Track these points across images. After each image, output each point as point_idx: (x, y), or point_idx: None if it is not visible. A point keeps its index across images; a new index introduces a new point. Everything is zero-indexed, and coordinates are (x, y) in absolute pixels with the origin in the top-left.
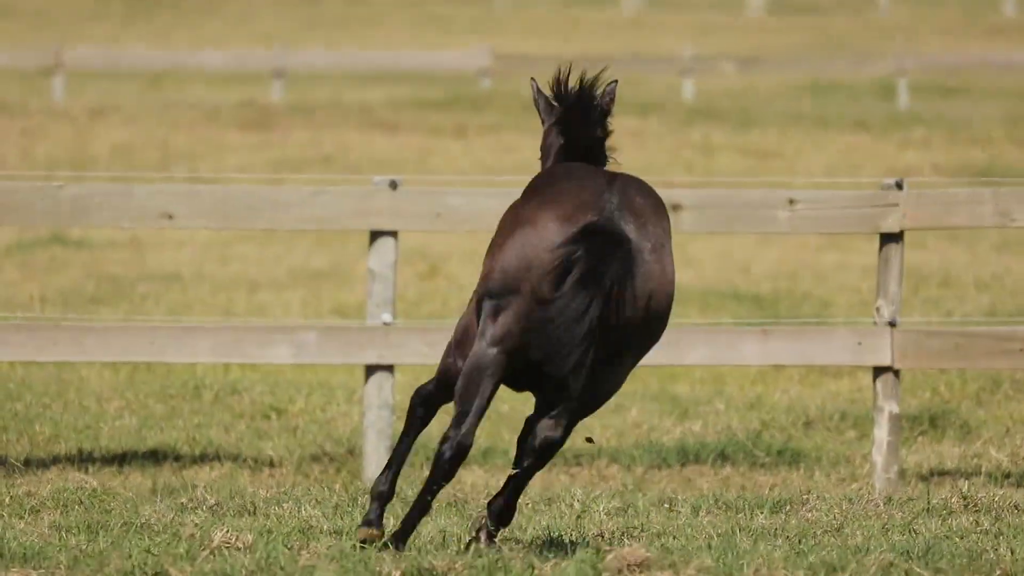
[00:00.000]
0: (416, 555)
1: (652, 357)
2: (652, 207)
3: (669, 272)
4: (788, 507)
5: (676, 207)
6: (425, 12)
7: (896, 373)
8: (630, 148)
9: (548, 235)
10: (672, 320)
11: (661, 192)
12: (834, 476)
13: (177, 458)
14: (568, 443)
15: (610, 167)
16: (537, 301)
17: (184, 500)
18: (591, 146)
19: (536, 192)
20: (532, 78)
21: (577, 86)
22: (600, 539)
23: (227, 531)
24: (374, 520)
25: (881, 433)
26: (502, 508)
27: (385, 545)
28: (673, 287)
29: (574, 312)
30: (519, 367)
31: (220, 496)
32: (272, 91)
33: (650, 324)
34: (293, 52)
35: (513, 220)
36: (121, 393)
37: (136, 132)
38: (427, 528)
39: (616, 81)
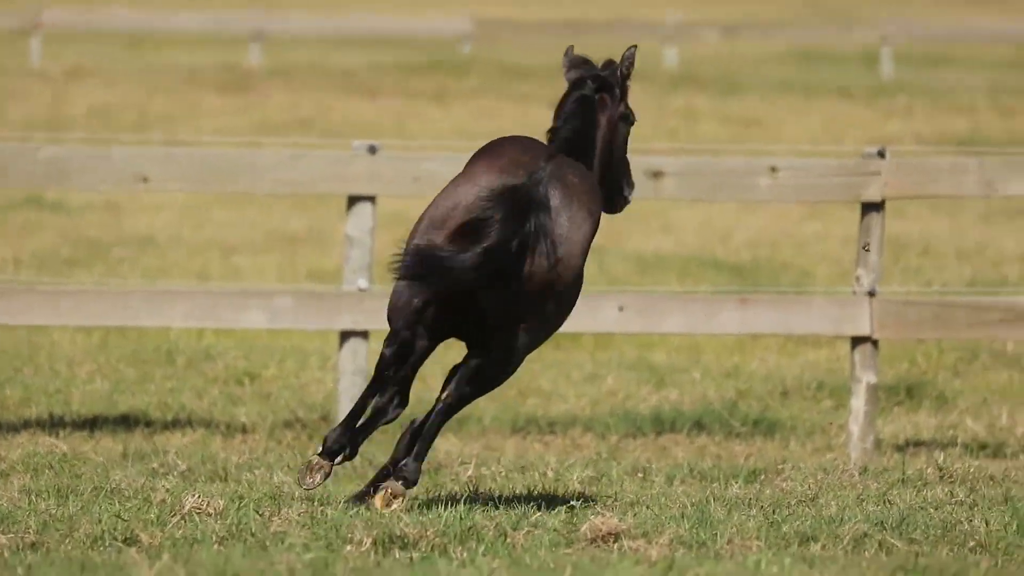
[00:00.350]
0: (388, 521)
1: (628, 324)
2: (584, 189)
3: (578, 246)
4: (763, 477)
5: (658, 174)
6: None
7: (874, 343)
8: None
9: (478, 181)
10: (650, 287)
11: (643, 158)
12: (810, 446)
13: (149, 423)
14: (542, 410)
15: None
16: (448, 240)
17: (155, 465)
18: (580, 124)
19: (481, 152)
20: (571, 46)
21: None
22: (573, 508)
23: (198, 497)
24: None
25: (858, 403)
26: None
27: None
28: (580, 261)
29: (471, 259)
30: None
31: (191, 462)
32: (251, 54)
33: (553, 287)
34: (272, 15)
35: (455, 175)
36: (93, 357)
37: (114, 94)
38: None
39: (635, 46)
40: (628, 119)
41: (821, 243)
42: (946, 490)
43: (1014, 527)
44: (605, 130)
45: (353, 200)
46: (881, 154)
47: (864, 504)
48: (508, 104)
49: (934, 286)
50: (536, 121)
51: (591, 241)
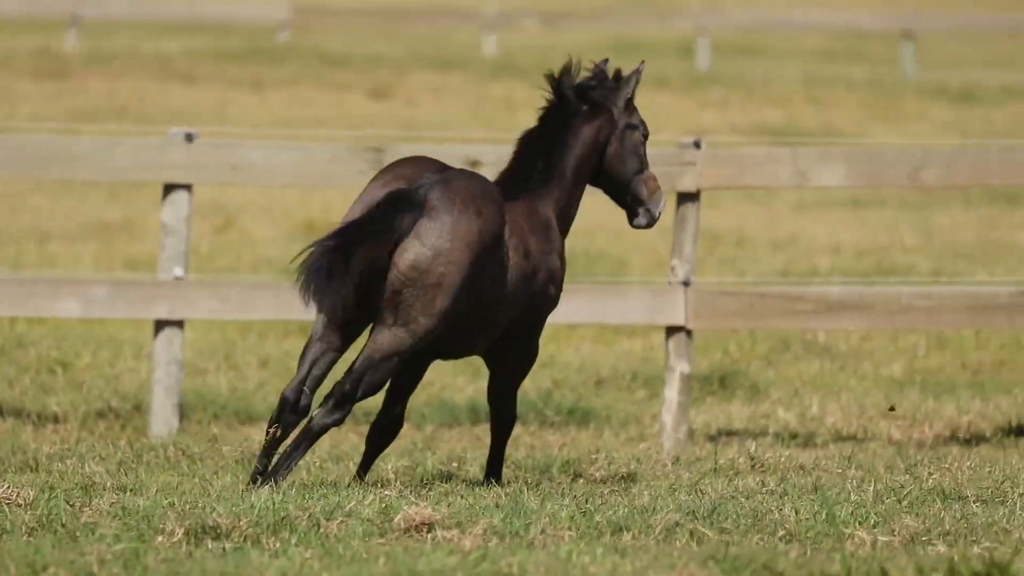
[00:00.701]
0: (200, 512)
1: None
2: (472, 194)
3: (456, 248)
4: (577, 466)
5: (475, 163)
6: None
7: (688, 333)
8: (430, 104)
9: (363, 198)
10: None
11: (460, 148)
12: (623, 436)
13: None
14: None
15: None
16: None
17: None
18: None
19: (381, 171)
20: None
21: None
22: (387, 498)
23: (7, 487)
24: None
25: (671, 393)
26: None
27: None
28: (454, 267)
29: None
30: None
31: (1, 451)
32: (67, 40)
33: (418, 286)
34: (89, 0)
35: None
36: None
37: None
38: (215, 485)
39: (644, 61)
40: (635, 129)
41: (637, 233)
42: (757, 479)
43: (823, 516)
44: (590, 142)
45: (169, 188)
46: (697, 144)
47: (676, 494)
48: (325, 92)
49: (748, 276)
50: (353, 110)
51: (481, 243)
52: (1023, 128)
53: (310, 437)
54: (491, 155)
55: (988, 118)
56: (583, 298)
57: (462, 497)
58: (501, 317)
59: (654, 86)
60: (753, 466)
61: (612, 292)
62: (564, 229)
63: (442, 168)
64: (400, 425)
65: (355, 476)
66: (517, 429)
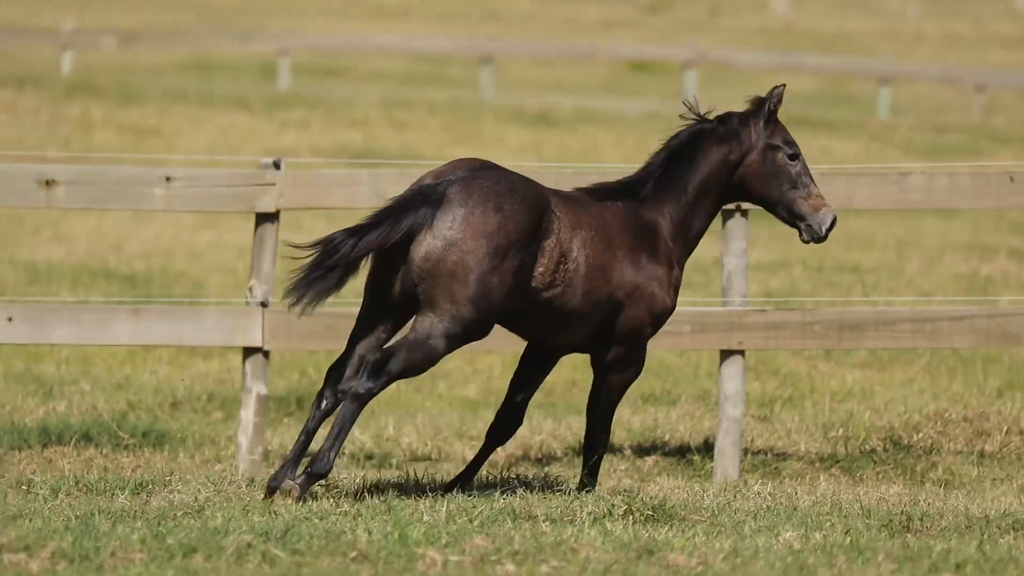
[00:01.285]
0: None
1: (16, 335)
2: (494, 191)
3: (469, 237)
4: (150, 489)
5: (50, 182)
6: None
7: (266, 354)
8: (4, 122)
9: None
10: (39, 297)
11: (34, 167)
12: (198, 457)
13: None
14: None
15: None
16: None
17: None
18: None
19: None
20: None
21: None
22: None
23: None
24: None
25: (247, 414)
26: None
27: None
28: (469, 255)
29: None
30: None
31: None
32: None
33: (438, 274)
34: None
35: None
36: None
37: None
38: None
39: (783, 85)
40: (777, 149)
41: (216, 253)
42: (332, 500)
43: (395, 536)
44: (717, 160)
45: None
46: (276, 165)
47: (250, 515)
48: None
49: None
50: None
51: (502, 234)
52: (595, 151)
53: (347, 407)
54: (65, 174)
55: (562, 142)
56: (160, 319)
57: (30, 520)
58: (574, 309)
59: (233, 106)
60: (327, 487)
61: (189, 313)
62: (683, 241)
63: (472, 167)
64: (520, 421)
65: (462, 473)
66: (89, 451)
